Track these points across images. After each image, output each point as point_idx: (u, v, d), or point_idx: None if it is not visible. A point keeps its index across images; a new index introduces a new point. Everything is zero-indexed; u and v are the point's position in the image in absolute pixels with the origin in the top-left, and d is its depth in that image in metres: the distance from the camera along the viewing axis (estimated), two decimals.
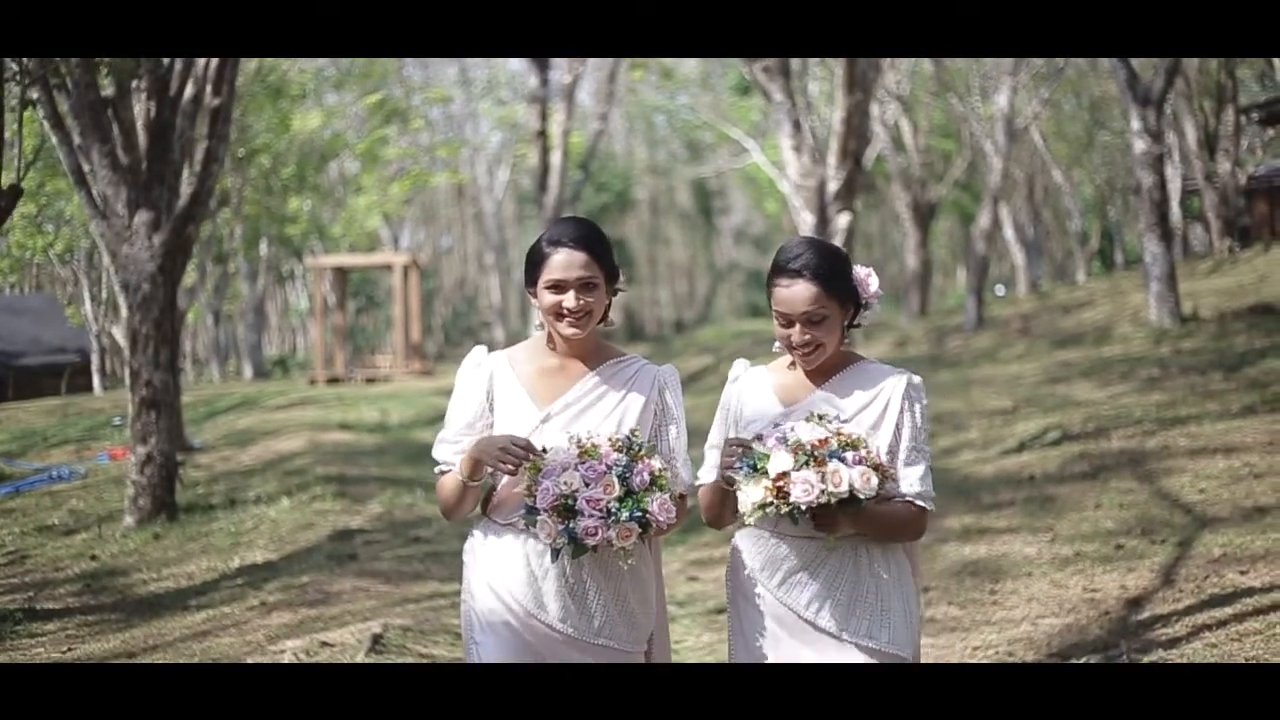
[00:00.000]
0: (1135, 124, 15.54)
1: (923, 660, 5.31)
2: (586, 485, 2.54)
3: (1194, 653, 4.83)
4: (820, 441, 2.53)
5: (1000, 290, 41.16)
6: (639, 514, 2.54)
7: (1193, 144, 24.92)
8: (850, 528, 2.65)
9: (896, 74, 27.87)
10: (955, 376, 16.23)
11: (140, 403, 9.52)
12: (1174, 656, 4.84)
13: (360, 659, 5.35)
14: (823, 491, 2.49)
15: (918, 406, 2.76)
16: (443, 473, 2.84)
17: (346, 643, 5.67)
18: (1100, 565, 6.47)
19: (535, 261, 2.77)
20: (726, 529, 2.95)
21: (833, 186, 10.39)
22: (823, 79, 24.16)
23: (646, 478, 2.57)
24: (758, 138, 26.89)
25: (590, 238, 2.78)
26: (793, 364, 2.81)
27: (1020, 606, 6.08)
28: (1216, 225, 24.28)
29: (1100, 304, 20.86)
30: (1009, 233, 34.13)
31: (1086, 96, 31.32)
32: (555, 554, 2.63)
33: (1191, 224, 32.01)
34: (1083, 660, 5.08)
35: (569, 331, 2.76)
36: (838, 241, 10.43)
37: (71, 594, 7.72)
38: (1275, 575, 5.64)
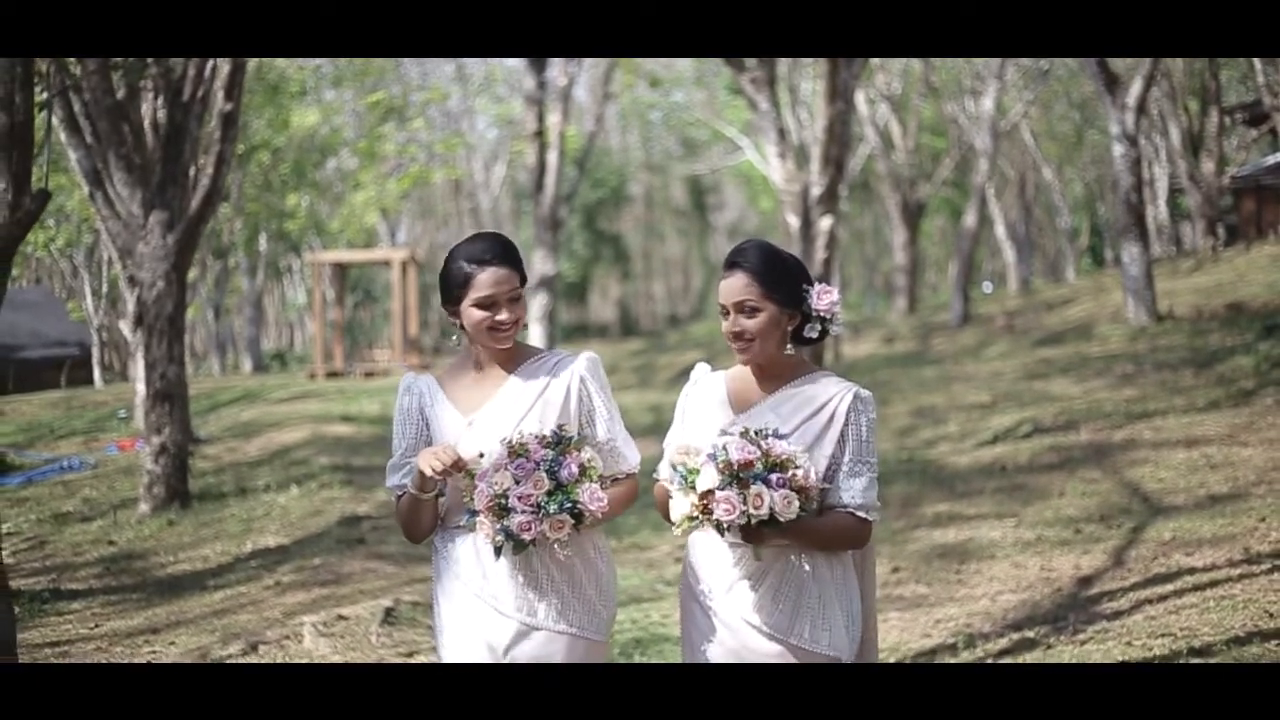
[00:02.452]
0: (1114, 128, 15.97)
1: (884, 636, 5.78)
2: (517, 483, 2.66)
3: (1134, 625, 5.30)
4: (747, 463, 2.58)
5: (988, 287, 41.61)
6: (569, 505, 2.66)
7: (1177, 144, 25.37)
8: (780, 539, 2.70)
9: (887, 75, 28.29)
10: (938, 372, 16.67)
11: (154, 395, 9.90)
12: (1116, 627, 5.31)
13: (374, 630, 5.80)
14: (743, 513, 2.56)
15: (864, 419, 2.80)
16: (398, 498, 2.95)
17: (360, 616, 6.11)
18: (1059, 548, 6.94)
19: (460, 282, 2.85)
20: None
21: (815, 192, 10.85)
22: (816, 78, 24.53)
23: (575, 470, 2.68)
24: (751, 135, 27.26)
25: (511, 253, 2.90)
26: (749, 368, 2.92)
27: (982, 585, 6.55)
28: (1200, 224, 24.74)
29: (1083, 302, 21.27)
30: (1000, 230, 34.58)
31: (1077, 95, 31.77)
32: (498, 552, 2.75)
33: (1180, 222, 32.51)
34: (1033, 632, 5.55)
35: (504, 344, 2.89)
36: (820, 244, 10.87)
37: (93, 576, 8.13)
38: (1217, 557, 6.12)
